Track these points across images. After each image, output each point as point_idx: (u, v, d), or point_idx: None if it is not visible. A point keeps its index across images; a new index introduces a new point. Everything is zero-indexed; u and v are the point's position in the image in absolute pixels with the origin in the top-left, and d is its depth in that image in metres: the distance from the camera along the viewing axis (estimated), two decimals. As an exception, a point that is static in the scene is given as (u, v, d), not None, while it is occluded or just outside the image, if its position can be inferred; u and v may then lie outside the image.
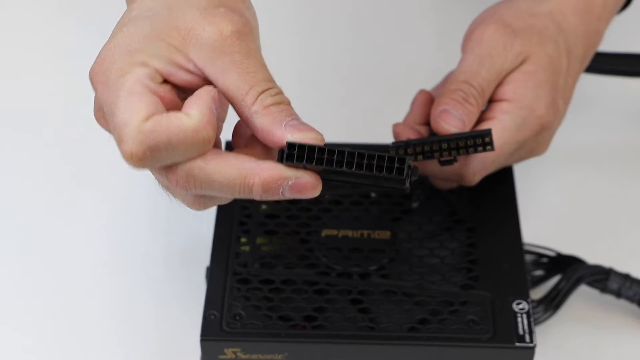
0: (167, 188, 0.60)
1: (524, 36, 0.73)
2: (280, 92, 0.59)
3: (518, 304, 0.68)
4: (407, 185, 0.57)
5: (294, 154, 0.57)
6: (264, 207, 0.75)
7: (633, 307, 0.76)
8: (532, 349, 0.66)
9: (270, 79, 0.59)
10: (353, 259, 0.71)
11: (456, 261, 0.71)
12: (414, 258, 0.72)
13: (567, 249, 0.76)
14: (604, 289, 0.75)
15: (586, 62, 0.77)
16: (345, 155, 0.57)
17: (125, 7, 0.62)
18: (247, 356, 0.67)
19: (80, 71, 0.95)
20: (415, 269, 0.71)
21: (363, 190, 0.61)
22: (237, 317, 0.68)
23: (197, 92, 0.57)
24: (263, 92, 0.58)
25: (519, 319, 0.67)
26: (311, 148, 0.57)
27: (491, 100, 0.73)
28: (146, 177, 0.86)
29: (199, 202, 0.60)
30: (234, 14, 0.59)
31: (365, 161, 0.57)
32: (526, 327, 0.67)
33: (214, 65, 0.58)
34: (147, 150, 0.56)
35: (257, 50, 0.60)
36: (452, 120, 0.70)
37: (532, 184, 0.84)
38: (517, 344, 0.66)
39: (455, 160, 0.69)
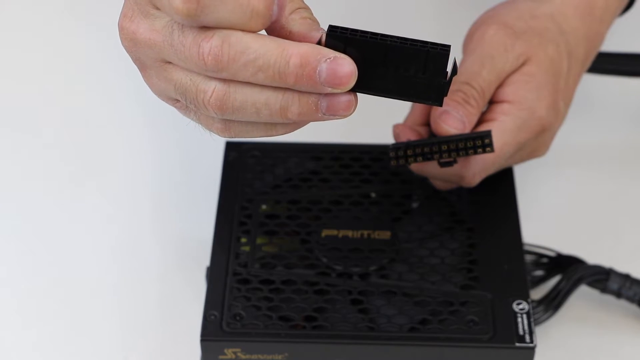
0: (195, 102, 0.56)
1: (525, 38, 0.73)
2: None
3: (518, 304, 0.68)
4: (447, 80, 0.55)
5: (337, 32, 0.54)
6: (263, 207, 0.75)
7: (633, 307, 0.76)
8: (532, 349, 0.66)
9: (307, 6, 0.57)
10: (353, 259, 0.71)
11: (456, 261, 0.71)
12: (414, 258, 0.72)
13: (567, 249, 0.76)
14: (604, 289, 0.75)
15: (587, 64, 0.77)
16: (387, 39, 0.54)
17: None
18: (247, 356, 0.67)
19: (81, 71, 0.96)
20: (415, 269, 0.71)
21: (396, 90, 0.57)
22: (237, 318, 0.68)
23: None
24: (300, 8, 0.56)
25: (519, 319, 0.67)
26: (354, 31, 0.54)
27: (491, 102, 0.73)
28: (146, 178, 0.87)
29: (229, 126, 0.57)
30: None
31: (408, 44, 0.54)
32: (526, 327, 0.67)
33: None
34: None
35: None
36: (453, 122, 0.70)
37: (533, 184, 0.84)
38: (517, 344, 0.66)
39: (455, 161, 0.70)
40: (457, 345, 0.67)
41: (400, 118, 0.76)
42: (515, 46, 0.72)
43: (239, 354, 0.67)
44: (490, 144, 0.68)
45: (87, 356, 0.75)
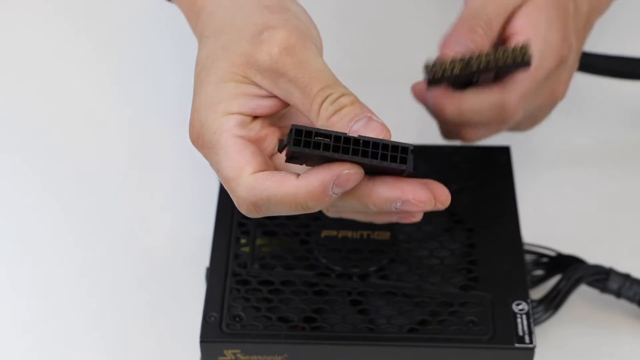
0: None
1: None
2: (340, 94, 0.59)
3: (518, 304, 0.68)
4: (410, 169, 0.58)
5: (300, 139, 0.56)
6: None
7: (633, 307, 0.75)
8: (532, 349, 0.66)
9: (329, 83, 0.59)
10: (352, 259, 0.71)
11: (456, 262, 0.71)
12: (413, 259, 0.72)
13: (567, 249, 0.76)
14: (604, 289, 0.75)
15: (588, 28, 0.75)
16: (350, 142, 0.57)
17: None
18: (246, 357, 0.67)
19: (81, 71, 0.95)
20: (414, 269, 0.71)
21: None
22: (237, 319, 0.68)
23: (327, 165, 0.58)
24: (322, 102, 0.59)
25: (519, 320, 0.67)
26: (316, 134, 0.56)
27: (504, 38, 0.72)
28: (146, 178, 0.87)
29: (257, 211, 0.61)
30: (277, 32, 0.60)
31: (370, 149, 0.57)
32: (526, 327, 0.67)
33: (278, 88, 0.60)
34: (251, 205, 0.59)
35: (312, 58, 0.60)
36: (456, 46, 0.69)
37: (532, 184, 0.84)
38: (517, 345, 0.66)
39: (495, 74, 0.67)
40: (456, 346, 0.67)
41: (400, 118, 0.75)
42: None
43: (238, 355, 0.67)
44: (530, 57, 0.67)
45: (87, 356, 0.75)
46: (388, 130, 0.58)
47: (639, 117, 0.90)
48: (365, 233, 0.72)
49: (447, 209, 0.74)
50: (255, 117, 0.61)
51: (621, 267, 0.75)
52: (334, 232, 0.73)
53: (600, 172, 0.86)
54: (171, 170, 0.87)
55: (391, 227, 0.73)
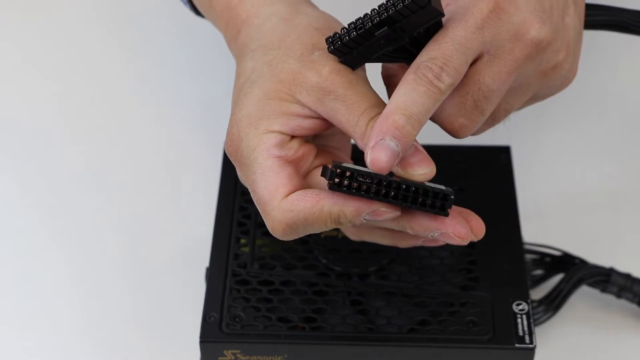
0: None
1: None
2: None
3: (518, 305, 0.68)
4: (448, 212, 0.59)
5: (342, 183, 0.57)
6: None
7: (633, 307, 0.75)
8: (532, 350, 0.66)
9: (377, 104, 0.59)
10: (352, 260, 0.71)
11: (456, 262, 0.71)
12: (413, 259, 0.71)
13: (567, 249, 0.76)
14: (604, 289, 0.75)
15: None
16: (391, 186, 0.58)
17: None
18: (246, 358, 0.67)
19: (81, 71, 0.96)
20: (414, 270, 0.71)
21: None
22: (237, 319, 0.68)
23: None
24: (370, 119, 0.59)
25: (519, 320, 0.67)
26: (357, 175, 0.57)
27: None
28: (146, 178, 0.87)
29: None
30: (329, 54, 0.61)
31: (410, 194, 0.58)
32: (526, 328, 0.67)
33: (323, 105, 0.60)
34: (287, 227, 0.59)
35: (360, 79, 0.61)
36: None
37: (532, 183, 0.84)
38: (517, 345, 0.66)
39: (402, 34, 0.58)
40: (456, 346, 0.67)
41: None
42: None
43: (238, 355, 0.67)
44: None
45: (87, 356, 0.75)
46: (432, 163, 0.59)
47: (639, 118, 0.90)
48: (365, 233, 0.72)
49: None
50: (293, 137, 0.61)
51: (621, 267, 0.75)
52: (334, 232, 0.72)
53: (600, 172, 0.86)
54: (171, 170, 0.87)
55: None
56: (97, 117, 0.92)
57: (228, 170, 0.77)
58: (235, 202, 0.75)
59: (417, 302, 0.69)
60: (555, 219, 0.82)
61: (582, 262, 0.75)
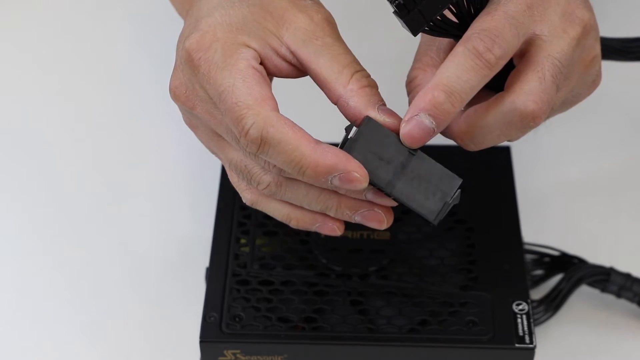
0: (249, 182, 0.63)
1: None
2: (369, 76, 0.60)
3: (518, 304, 0.68)
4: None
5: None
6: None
7: (633, 307, 0.75)
8: (532, 349, 0.66)
9: (360, 64, 0.61)
10: (353, 259, 0.71)
11: (456, 262, 0.71)
12: (413, 259, 0.72)
13: (567, 249, 0.76)
14: (604, 289, 0.75)
15: None
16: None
17: None
18: (246, 358, 0.67)
19: (81, 71, 0.95)
20: (414, 269, 0.71)
21: None
22: (237, 319, 0.68)
23: (348, 157, 0.59)
24: (356, 72, 0.60)
25: (519, 320, 0.67)
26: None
27: None
28: (145, 178, 0.87)
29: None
30: (320, 5, 0.62)
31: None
32: (526, 328, 0.67)
33: (307, 48, 0.60)
34: (259, 138, 0.58)
35: (343, 42, 0.61)
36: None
37: (532, 184, 0.84)
38: (517, 345, 0.66)
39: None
40: (456, 346, 0.67)
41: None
42: None
43: (238, 355, 0.67)
44: None
45: (87, 356, 0.75)
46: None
47: (639, 118, 0.90)
48: (365, 233, 0.72)
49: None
50: (260, 64, 0.61)
51: (621, 266, 0.75)
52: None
53: (600, 172, 0.86)
54: (171, 170, 0.87)
55: (391, 227, 0.73)
56: (97, 116, 0.92)
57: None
58: (235, 202, 0.75)
59: (417, 302, 0.69)
60: (555, 219, 0.82)
61: (582, 262, 0.75)
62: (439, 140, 0.78)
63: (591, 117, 0.89)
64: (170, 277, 0.79)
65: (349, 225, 0.73)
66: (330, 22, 0.61)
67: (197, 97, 0.61)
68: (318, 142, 0.59)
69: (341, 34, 0.62)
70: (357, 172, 0.58)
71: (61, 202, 0.85)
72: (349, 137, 0.60)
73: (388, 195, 0.60)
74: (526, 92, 0.58)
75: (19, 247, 0.82)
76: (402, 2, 0.58)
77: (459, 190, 0.61)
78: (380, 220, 0.62)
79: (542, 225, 0.80)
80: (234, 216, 0.74)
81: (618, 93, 0.91)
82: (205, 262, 0.73)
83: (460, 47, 0.57)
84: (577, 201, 0.84)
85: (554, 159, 0.84)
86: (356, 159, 0.59)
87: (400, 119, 0.60)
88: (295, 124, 0.59)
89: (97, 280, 0.79)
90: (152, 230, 0.82)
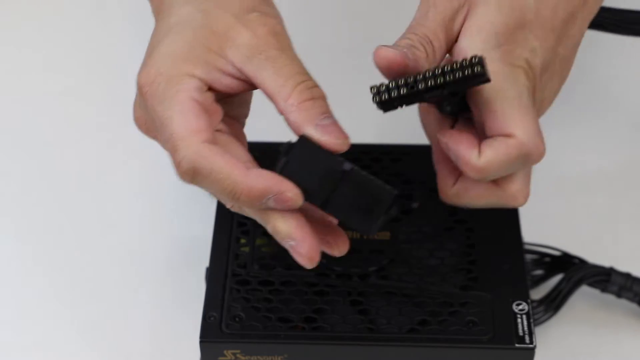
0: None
1: None
2: (315, 86, 0.61)
3: (518, 305, 0.68)
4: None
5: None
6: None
7: (633, 306, 0.76)
8: (532, 350, 0.66)
9: (306, 73, 0.61)
10: (352, 260, 0.71)
11: (456, 262, 0.71)
12: (413, 259, 0.71)
13: (567, 249, 0.76)
14: (604, 289, 0.75)
15: (574, 23, 0.66)
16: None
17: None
18: (246, 358, 0.67)
19: (81, 71, 0.95)
20: (414, 270, 0.71)
21: None
22: (237, 319, 0.68)
23: (280, 178, 0.59)
24: (299, 84, 0.60)
25: (519, 320, 0.67)
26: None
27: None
28: (145, 178, 0.87)
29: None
30: (266, 17, 0.62)
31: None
32: (526, 328, 0.67)
33: (251, 64, 0.60)
34: (192, 170, 0.59)
35: (291, 48, 0.62)
36: (390, 52, 0.62)
37: (533, 184, 0.84)
38: (517, 345, 0.66)
39: (443, 87, 0.60)
40: (456, 346, 0.67)
41: (398, 117, 0.75)
42: None
43: (238, 356, 0.67)
44: (484, 70, 0.58)
45: (87, 356, 0.75)
46: (346, 139, 0.60)
47: (639, 118, 0.90)
48: (365, 233, 0.72)
49: (447, 209, 0.74)
50: (209, 89, 0.61)
51: (621, 266, 0.75)
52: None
53: (600, 172, 0.86)
54: (171, 170, 0.87)
55: (391, 227, 0.73)
56: (97, 116, 0.92)
57: (228, 170, 0.77)
58: (235, 202, 0.75)
59: (417, 302, 0.69)
60: (555, 219, 0.82)
61: (582, 262, 0.75)
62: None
63: (591, 117, 0.89)
64: (170, 277, 0.79)
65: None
66: (276, 34, 0.61)
67: (154, 127, 0.63)
68: (250, 167, 0.60)
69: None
70: (289, 192, 0.59)
71: (61, 202, 0.85)
72: (285, 157, 0.60)
73: (324, 211, 0.61)
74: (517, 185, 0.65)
75: (18, 247, 0.82)
76: (379, 99, 0.61)
77: (396, 201, 0.61)
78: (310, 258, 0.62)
79: (543, 225, 0.80)
80: (234, 216, 0.74)
81: (618, 92, 0.91)
82: (205, 262, 0.73)
83: None
84: (577, 201, 0.84)
85: (554, 158, 0.84)
86: (290, 179, 0.59)
87: (339, 134, 0.60)
88: (227, 152, 0.60)
89: (97, 280, 0.79)
90: (152, 230, 0.82)
